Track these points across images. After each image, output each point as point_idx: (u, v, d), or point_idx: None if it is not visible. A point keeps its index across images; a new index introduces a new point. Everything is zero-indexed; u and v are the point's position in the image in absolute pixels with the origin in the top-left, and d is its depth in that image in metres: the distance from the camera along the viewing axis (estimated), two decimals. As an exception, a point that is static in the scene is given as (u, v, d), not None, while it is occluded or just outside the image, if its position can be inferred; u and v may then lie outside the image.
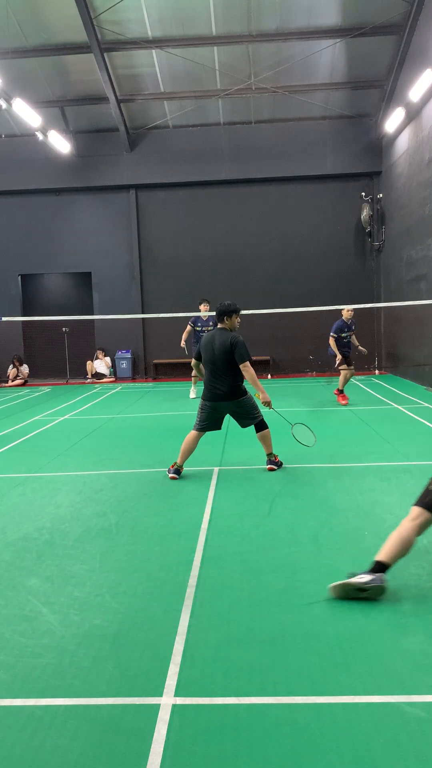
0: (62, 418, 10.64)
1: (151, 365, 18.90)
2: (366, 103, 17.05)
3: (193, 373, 12.80)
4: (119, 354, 18.63)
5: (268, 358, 17.98)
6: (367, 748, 2.43)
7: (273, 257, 18.31)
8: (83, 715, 2.71)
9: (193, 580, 4.03)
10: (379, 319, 18.27)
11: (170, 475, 6.68)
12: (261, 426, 6.80)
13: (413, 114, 14.29)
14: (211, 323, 12.27)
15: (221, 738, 2.53)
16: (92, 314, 18.62)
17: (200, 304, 12.95)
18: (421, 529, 3.75)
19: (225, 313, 6.79)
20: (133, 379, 18.66)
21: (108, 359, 18.66)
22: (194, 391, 13.19)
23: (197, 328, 12.73)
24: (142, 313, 18.29)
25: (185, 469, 7.08)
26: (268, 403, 6.67)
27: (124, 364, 18.63)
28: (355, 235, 18.31)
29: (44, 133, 15.74)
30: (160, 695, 2.82)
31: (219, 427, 6.88)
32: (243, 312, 12.62)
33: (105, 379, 18.37)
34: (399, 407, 11.03)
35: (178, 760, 2.42)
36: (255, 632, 3.34)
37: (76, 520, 5.38)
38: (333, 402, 11.97)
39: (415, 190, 14.37)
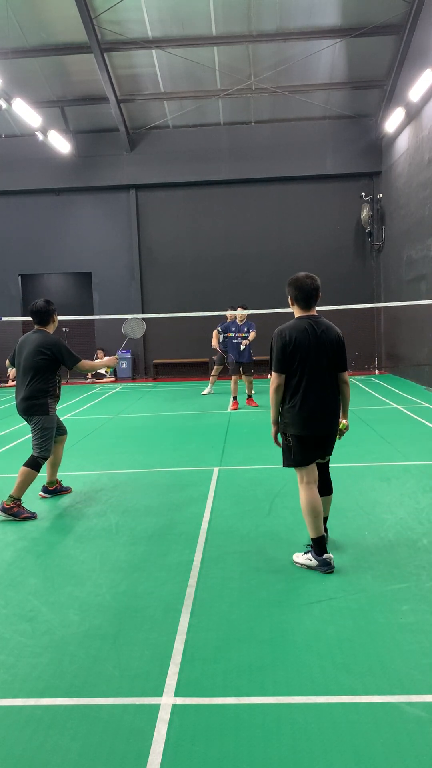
0: (62, 419, 10.62)
1: (151, 365, 18.90)
2: (366, 103, 17.04)
3: (213, 372, 13.75)
4: (119, 354, 18.61)
5: (269, 357, 17.95)
6: (367, 748, 2.43)
7: (273, 257, 18.28)
8: (83, 715, 2.71)
9: (193, 580, 4.03)
10: (379, 319, 18.26)
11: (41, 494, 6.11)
12: (34, 464, 5.60)
13: (413, 114, 14.29)
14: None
15: (221, 738, 2.53)
16: (92, 314, 18.60)
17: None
18: None
19: (51, 313, 6.07)
20: (133, 379, 18.65)
21: (108, 359, 18.64)
22: (210, 389, 14.07)
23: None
24: (142, 313, 18.27)
25: (184, 469, 7.09)
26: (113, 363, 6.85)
27: (124, 364, 18.63)
28: (355, 235, 18.30)
29: (44, 133, 15.74)
30: (160, 695, 2.82)
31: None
32: (243, 312, 12.86)
33: (105, 379, 18.37)
34: (399, 407, 11.03)
35: (178, 760, 2.42)
36: (255, 632, 3.34)
37: (76, 520, 5.39)
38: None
39: (415, 190, 14.37)
